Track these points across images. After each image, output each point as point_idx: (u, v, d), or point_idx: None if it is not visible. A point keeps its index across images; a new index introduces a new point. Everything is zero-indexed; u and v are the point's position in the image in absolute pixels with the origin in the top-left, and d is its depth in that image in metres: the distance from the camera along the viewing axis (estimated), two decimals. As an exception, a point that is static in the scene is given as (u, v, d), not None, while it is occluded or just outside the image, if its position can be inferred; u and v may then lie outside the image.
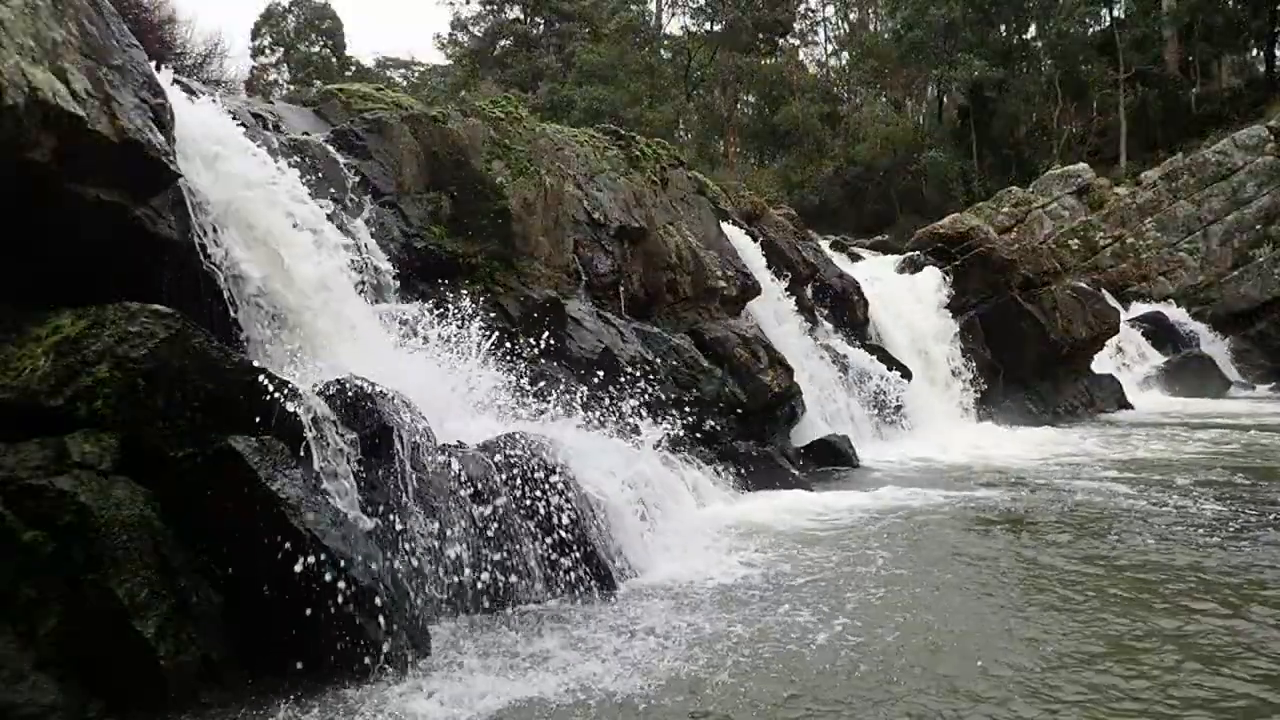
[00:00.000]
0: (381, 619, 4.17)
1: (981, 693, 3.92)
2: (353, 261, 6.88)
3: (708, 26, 42.25)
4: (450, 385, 6.36)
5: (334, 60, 45.51)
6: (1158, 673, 4.10)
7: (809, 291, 13.98)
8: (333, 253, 6.63)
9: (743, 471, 8.86)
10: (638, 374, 8.38)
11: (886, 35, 40.87)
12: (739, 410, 9.77)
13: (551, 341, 8.01)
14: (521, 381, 7.06)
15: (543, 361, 7.89)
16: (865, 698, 3.91)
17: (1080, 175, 26.78)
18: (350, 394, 4.90)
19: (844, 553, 6.30)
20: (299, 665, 4.02)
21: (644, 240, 10.60)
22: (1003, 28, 37.34)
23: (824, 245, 16.13)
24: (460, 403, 6.32)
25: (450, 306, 6.96)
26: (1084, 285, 18.72)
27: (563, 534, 5.48)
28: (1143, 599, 5.13)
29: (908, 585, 5.49)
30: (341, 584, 4.09)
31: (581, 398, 7.12)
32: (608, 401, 7.55)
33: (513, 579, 5.21)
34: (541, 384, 7.26)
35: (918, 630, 4.69)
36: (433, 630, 4.60)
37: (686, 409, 8.92)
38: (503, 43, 45.91)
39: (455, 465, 5.27)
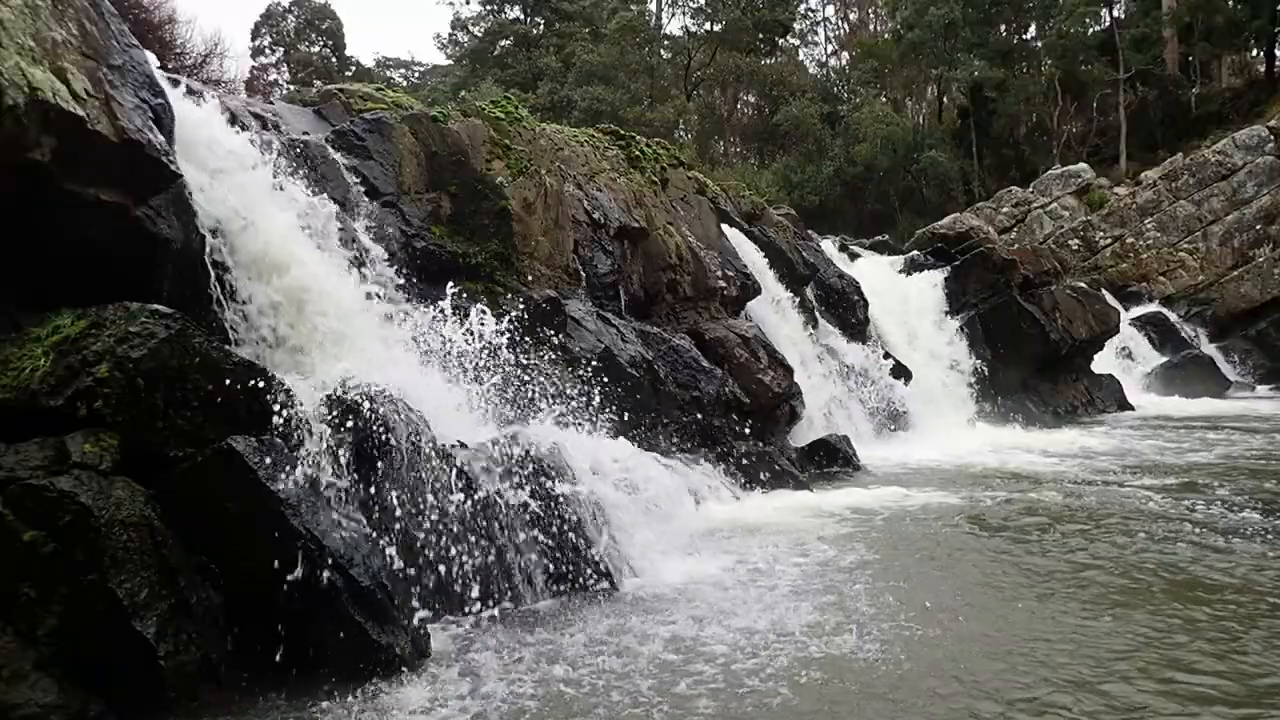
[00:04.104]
0: (381, 619, 4.18)
1: (999, 706, 3.84)
2: (352, 262, 6.88)
3: (708, 26, 42.25)
4: (450, 386, 6.36)
5: (334, 60, 45.51)
6: (1189, 681, 4.00)
7: (809, 291, 13.99)
8: (333, 253, 6.63)
9: (742, 472, 8.85)
10: (638, 374, 8.39)
11: (886, 35, 40.87)
12: (739, 410, 9.76)
13: (551, 342, 8.01)
14: (521, 382, 7.06)
15: (542, 362, 7.88)
16: (877, 702, 3.87)
17: (1080, 175, 26.79)
18: (350, 394, 4.90)
19: (845, 554, 6.29)
20: (299, 665, 4.02)
21: (644, 240, 10.60)
22: (1003, 28, 37.36)
23: (824, 245, 16.13)
24: (460, 403, 6.32)
25: (450, 307, 6.95)
26: (1084, 285, 18.74)
27: (562, 535, 5.48)
28: (1163, 604, 5.06)
29: (910, 586, 5.47)
30: (341, 584, 4.09)
31: (581, 398, 7.11)
32: (608, 402, 7.55)
33: (512, 580, 5.21)
34: (541, 385, 7.26)
35: (925, 633, 4.65)
36: (432, 630, 4.60)
37: (686, 409, 8.93)
38: (503, 43, 45.92)
39: (455, 466, 5.27)
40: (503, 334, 6.83)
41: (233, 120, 6.87)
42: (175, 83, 6.14)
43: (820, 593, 5.34)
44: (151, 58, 5.46)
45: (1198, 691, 3.89)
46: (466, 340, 6.65)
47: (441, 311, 6.71)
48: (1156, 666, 4.15)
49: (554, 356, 7.91)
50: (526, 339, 7.52)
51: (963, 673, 4.11)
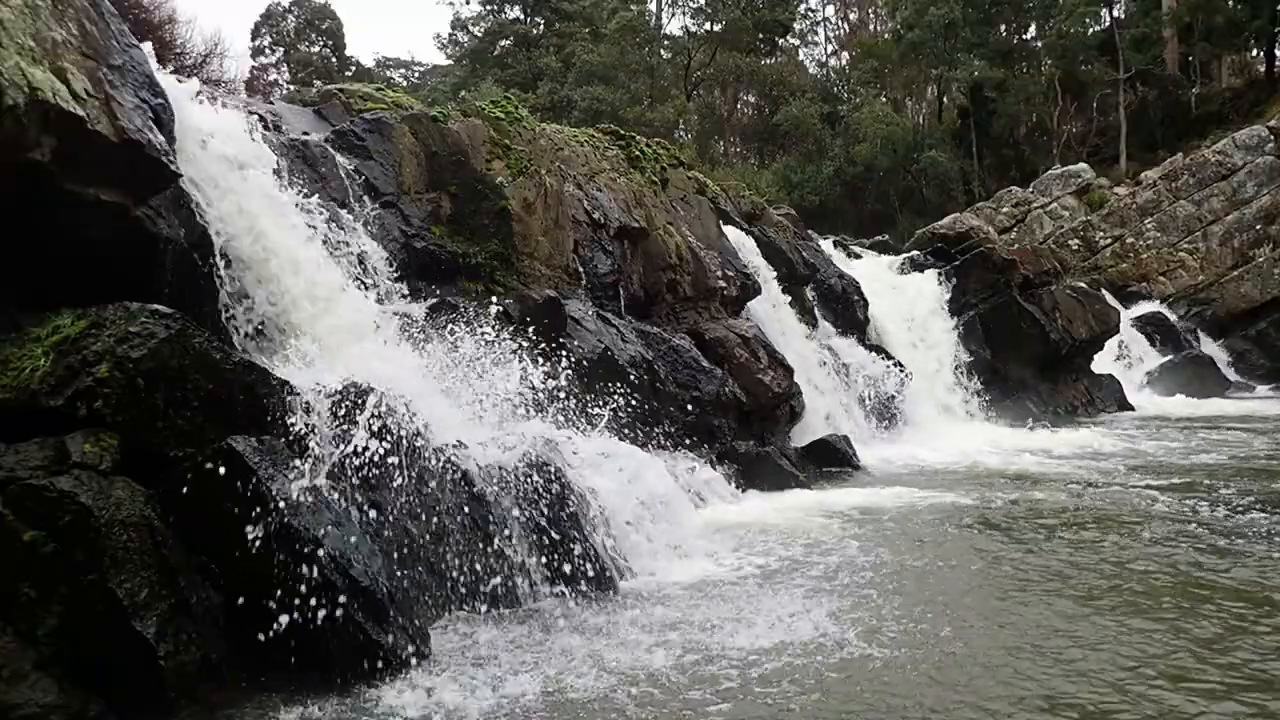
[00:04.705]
0: (382, 619, 4.17)
1: (1001, 708, 3.80)
2: (352, 262, 6.87)
3: (708, 26, 42.23)
4: (451, 386, 6.34)
5: (334, 60, 45.48)
6: (1201, 680, 3.98)
7: (809, 292, 13.98)
8: (333, 253, 6.62)
9: (742, 472, 8.85)
10: (637, 374, 8.37)
11: (886, 35, 40.87)
12: (739, 410, 9.76)
13: (551, 342, 7.99)
14: (521, 382, 7.03)
15: (542, 362, 7.87)
16: (894, 712, 3.82)
17: (1080, 175, 26.77)
18: (351, 394, 4.89)
19: (845, 553, 6.29)
20: (299, 665, 4.02)
21: (644, 240, 10.59)
22: (1003, 28, 37.36)
23: (824, 245, 16.13)
24: (461, 404, 6.31)
25: (449, 307, 6.95)
26: (1084, 285, 18.73)
27: (563, 535, 5.47)
28: (1173, 604, 5.03)
29: (921, 588, 5.46)
30: (342, 584, 4.08)
31: (581, 398, 7.09)
32: (608, 402, 7.53)
33: (513, 579, 5.20)
34: (540, 385, 7.24)
35: (939, 634, 4.62)
36: (433, 630, 4.59)
37: (686, 409, 8.92)
38: (503, 43, 45.90)
39: (455, 466, 5.26)
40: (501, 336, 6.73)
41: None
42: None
43: (832, 594, 5.32)
44: (188, 84, 5.50)
45: (1208, 690, 3.88)
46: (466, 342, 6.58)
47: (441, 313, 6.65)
48: (1169, 665, 4.14)
49: (554, 357, 7.89)
50: (526, 340, 7.50)
51: (977, 676, 4.09)
